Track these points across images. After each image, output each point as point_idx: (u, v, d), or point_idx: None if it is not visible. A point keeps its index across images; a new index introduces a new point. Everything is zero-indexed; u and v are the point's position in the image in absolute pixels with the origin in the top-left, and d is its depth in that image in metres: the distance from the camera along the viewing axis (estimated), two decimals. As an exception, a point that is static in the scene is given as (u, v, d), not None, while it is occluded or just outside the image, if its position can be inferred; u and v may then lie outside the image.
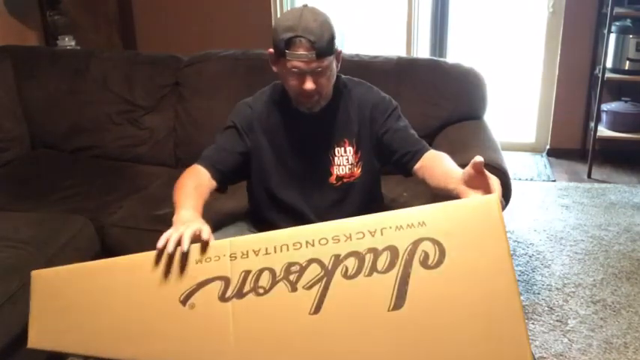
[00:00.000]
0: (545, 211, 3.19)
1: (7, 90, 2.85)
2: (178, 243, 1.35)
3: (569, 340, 2.20)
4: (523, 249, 2.81)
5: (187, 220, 1.44)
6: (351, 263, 1.32)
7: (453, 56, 3.95)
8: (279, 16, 3.93)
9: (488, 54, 4.88)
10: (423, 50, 3.96)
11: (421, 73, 2.56)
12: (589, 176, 3.64)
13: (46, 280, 1.44)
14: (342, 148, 1.75)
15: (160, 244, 1.35)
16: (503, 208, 1.36)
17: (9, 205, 2.34)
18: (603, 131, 3.65)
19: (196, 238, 1.37)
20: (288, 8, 3.95)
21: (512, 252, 2.55)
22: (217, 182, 1.70)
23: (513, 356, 1.28)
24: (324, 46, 1.57)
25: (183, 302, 1.35)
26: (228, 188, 1.81)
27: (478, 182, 1.39)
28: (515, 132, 4.23)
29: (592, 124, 3.64)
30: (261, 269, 1.34)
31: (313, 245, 1.34)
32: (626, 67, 3.52)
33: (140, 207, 2.32)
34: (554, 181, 3.58)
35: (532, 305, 2.39)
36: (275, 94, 1.79)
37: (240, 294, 1.34)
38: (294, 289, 1.33)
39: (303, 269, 1.33)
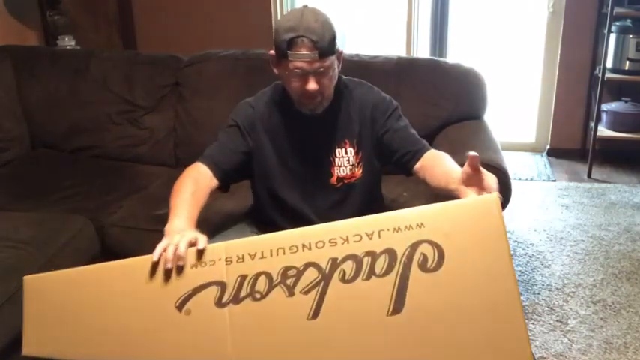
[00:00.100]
0: (545, 211, 3.19)
1: (7, 90, 2.85)
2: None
3: (569, 340, 2.20)
4: (523, 249, 2.81)
5: (180, 230, 1.42)
6: (349, 267, 1.30)
7: (453, 56, 3.95)
8: (279, 16, 3.93)
9: (488, 54, 4.88)
10: (423, 50, 3.96)
11: (421, 73, 2.56)
12: (589, 176, 3.64)
13: (39, 285, 1.42)
14: (343, 149, 1.75)
15: (155, 256, 1.34)
16: (503, 207, 1.35)
17: (9, 205, 2.34)
18: (603, 131, 3.65)
19: (192, 247, 1.36)
20: (288, 8, 3.95)
21: (512, 252, 2.55)
22: (219, 181, 1.69)
23: (514, 357, 1.27)
24: (326, 46, 1.57)
25: (179, 308, 1.33)
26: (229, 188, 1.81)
27: (474, 180, 1.37)
28: (515, 132, 4.23)
29: (592, 124, 3.63)
30: (258, 273, 1.32)
31: (310, 248, 1.32)
32: (626, 67, 3.52)
33: (140, 207, 2.32)
34: (554, 181, 3.58)
35: (532, 305, 2.39)
36: (276, 94, 1.79)
37: (236, 299, 1.32)
38: (291, 293, 1.31)
39: (300, 273, 1.31)
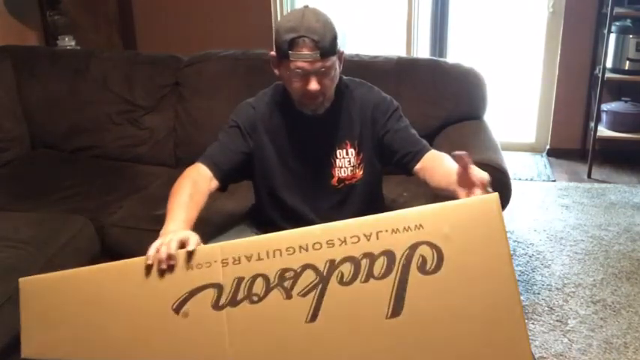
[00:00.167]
0: (545, 211, 3.19)
1: (7, 90, 2.85)
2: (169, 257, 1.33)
3: (569, 340, 2.20)
4: (523, 249, 2.81)
5: (174, 232, 1.42)
6: (347, 269, 1.29)
7: (453, 56, 3.95)
8: (279, 16, 3.93)
9: (488, 54, 4.88)
10: (423, 50, 3.96)
11: (421, 73, 2.56)
12: (589, 176, 3.64)
13: (34, 288, 1.42)
14: (344, 150, 1.75)
15: (150, 259, 1.33)
16: (503, 207, 1.35)
17: (9, 205, 2.34)
18: (603, 131, 3.65)
19: (182, 247, 1.35)
20: (288, 8, 3.96)
21: (512, 252, 2.55)
22: (219, 181, 1.69)
23: None
24: (328, 46, 1.57)
25: (176, 311, 1.32)
26: (228, 188, 1.81)
27: (467, 179, 1.35)
28: (515, 132, 4.23)
29: (592, 124, 3.63)
30: (255, 276, 1.31)
31: (307, 250, 1.30)
32: (626, 67, 3.52)
33: (140, 207, 2.32)
34: (554, 181, 3.58)
35: (532, 305, 2.39)
36: (277, 95, 1.78)
37: (234, 302, 1.31)
38: (289, 296, 1.30)
39: (297, 275, 1.30)
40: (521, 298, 2.40)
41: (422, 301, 1.28)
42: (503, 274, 1.28)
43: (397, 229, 1.30)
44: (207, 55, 2.79)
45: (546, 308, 2.38)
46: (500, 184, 1.97)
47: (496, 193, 1.32)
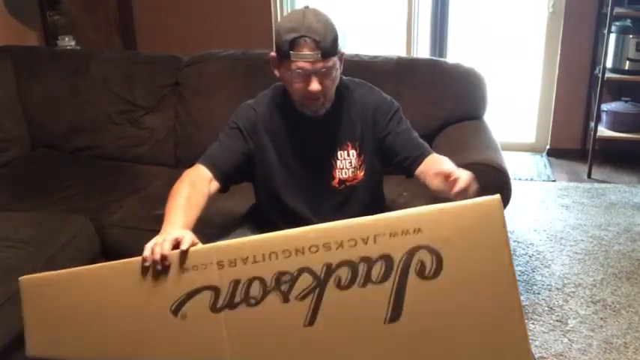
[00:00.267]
0: (545, 211, 3.19)
1: (7, 90, 2.85)
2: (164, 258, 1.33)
3: (569, 340, 2.20)
4: (523, 249, 2.81)
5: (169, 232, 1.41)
6: (344, 273, 1.27)
7: (453, 56, 3.95)
8: (279, 16, 3.92)
9: (488, 54, 4.87)
10: (423, 50, 3.96)
11: (421, 73, 2.56)
12: (589, 176, 3.64)
13: (35, 287, 1.42)
14: (345, 152, 1.75)
15: (148, 262, 1.33)
16: (503, 207, 1.34)
17: (9, 205, 2.34)
18: (603, 131, 3.65)
19: (177, 247, 1.34)
20: (289, 8, 3.95)
21: (512, 252, 2.54)
22: (220, 182, 1.68)
23: None
24: (329, 46, 1.57)
25: (175, 313, 1.32)
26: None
27: (451, 184, 1.39)
28: (515, 132, 4.23)
29: (592, 124, 3.63)
30: (251, 279, 1.29)
31: (303, 253, 1.28)
32: (626, 67, 3.52)
33: (140, 207, 2.32)
34: (554, 181, 3.58)
35: (532, 305, 2.39)
36: (276, 96, 1.77)
37: (231, 305, 1.30)
38: (286, 299, 1.29)
39: (294, 279, 1.28)
40: (521, 298, 2.41)
41: (421, 306, 1.26)
42: (504, 282, 1.25)
43: (395, 233, 1.27)
44: (207, 55, 2.79)
45: (546, 308, 2.38)
46: (501, 184, 1.97)
47: (498, 197, 1.28)
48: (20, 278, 1.42)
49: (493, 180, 1.96)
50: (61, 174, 2.61)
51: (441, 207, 1.30)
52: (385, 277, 1.26)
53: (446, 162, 1.62)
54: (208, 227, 1.72)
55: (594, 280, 2.55)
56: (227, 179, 1.71)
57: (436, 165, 1.64)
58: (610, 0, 3.32)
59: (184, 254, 1.33)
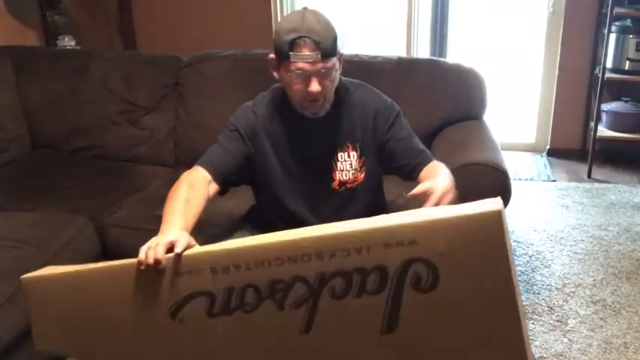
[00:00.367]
0: (545, 211, 3.19)
1: (7, 90, 2.85)
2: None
3: (569, 340, 2.20)
4: (523, 249, 2.81)
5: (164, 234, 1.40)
6: (338, 283, 1.24)
7: (453, 56, 3.95)
8: (279, 16, 3.92)
9: (488, 54, 4.87)
10: (423, 50, 3.96)
11: (421, 73, 2.56)
12: (589, 176, 3.64)
13: (38, 285, 1.42)
14: (346, 153, 1.74)
15: (143, 266, 1.33)
16: (505, 205, 1.32)
17: (9, 205, 2.34)
18: (603, 131, 3.65)
19: (172, 249, 1.33)
20: (288, 8, 3.95)
21: (512, 252, 2.53)
22: (219, 184, 1.67)
23: None
24: (329, 46, 1.57)
25: (173, 316, 1.32)
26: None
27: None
28: (515, 132, 4.23)
29: (592, 124, 3.63)
30: (245, 286, 1.28)
31: (295, 262, 1.25)
32: (626, 67, 3.52)
33: (140, 207, 2.32)
34: (554, 181, 3.58)
35: (532, 305, 2.39)
36: (276, 98, 1.77)
37: (227, 311, 1.29)
38: (281, 307, 1.27)
39: (288, 287, 1.26)
40: (522, 298, 2.41)
41: (417, 318, 1.24)
42: (504, 300, 1.20)
43: (389, 244, 1.22)
44: (207, 55, 2.79)
45: (546, 308, 2.38)
46: (500, 184, 1.97)
47: (499, 209, 1.20)
48: (22, 277, 1.42)
49: (493, 180, 1.96)
50: (61, 174, 2.61)
51: (436, 217, 1.24)
52: (380, 289, 1.23)
53: (440, 171, 1.62)
54: (207, 228, 1.73)
55: (594, 280, 2.55)
56: (226, 181, 1.70)
57: (431, 173, 1.64)
58: (610, 0, 3.32)
59: (178, 258, 1.32)
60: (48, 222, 2.18)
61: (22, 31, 3.41)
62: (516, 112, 4.52)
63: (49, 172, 2.65)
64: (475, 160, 2.02)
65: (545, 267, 2.66)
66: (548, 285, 2.53)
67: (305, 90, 1.60)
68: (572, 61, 3.77)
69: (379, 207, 1.87)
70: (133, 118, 2.81)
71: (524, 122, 4.26)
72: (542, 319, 2.31)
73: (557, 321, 2.30)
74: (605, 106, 3.65)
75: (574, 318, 2.32)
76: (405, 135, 1.75)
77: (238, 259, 1.28)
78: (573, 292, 2.48)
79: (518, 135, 4.18)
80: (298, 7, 3.93)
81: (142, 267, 1.32)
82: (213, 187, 1.65)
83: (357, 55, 2.60)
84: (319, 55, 1.55)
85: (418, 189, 1.45)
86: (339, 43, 1.62)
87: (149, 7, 4.05)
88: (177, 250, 1.32)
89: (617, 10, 3.38)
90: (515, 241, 2.88)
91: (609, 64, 3.52)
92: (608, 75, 3.50)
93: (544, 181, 3.58)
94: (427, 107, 2.48)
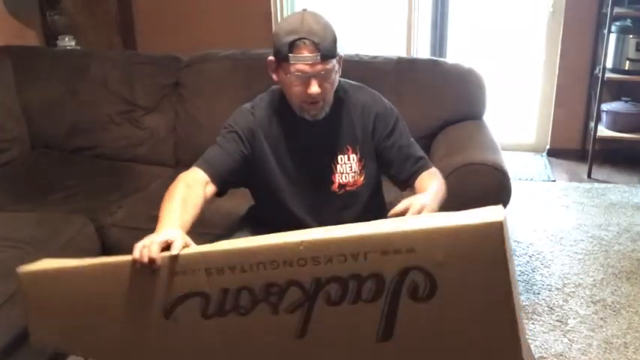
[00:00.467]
0: (545, 211, 3.19)
1: (7, 90, 2.85)
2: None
3: (569, 340, 2.20)
4: (523, 249, 2.81)
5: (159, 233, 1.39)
6: (334, 289, 1.23)
7: (453, 56, 3.94)
8: (279, 16, 3.93)
9: (488, 54, 4.87)
10: (423, 50, 3.96)
11: (421, 73, 2.56)
12: (589, 176, 3.64)
13: (35, 280, 1.41)
14: (346, 156, 1.74)
15: (137, 265, 1.32)
16: (505, 205, 1.31)
17: (9, 205, 2.34)
18: (603, 131, 3.65)
19: (168, 246, 1.33)
20: (288, 8, 3.95)
21: (512, 252, 2.53)
22: (217, 185, 1.65)
23: None
24: (329, 48, 1.56)
25: (167, 316, 1.31)
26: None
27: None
28: (515, 132, 4.22)
29: (592, 124, 3.64)
30: (240, 288, 1.27)
31: (291, 266, 1.24)
32: (626, 67, 3.52)
33: (140, 207, 2.32)
34: (554, 181, 3.58)
35: (532, 305, 2.39)
36: (275, 100, 1.76)
37: (222, 312, 1.29)
38: (275, 311, 1.27)
39: (282, 291, 1.25)
40: (521, 298, 2.41)
41: (413, 327, 1.23)
42: (503, 312, 1.18)
43: (386, 251, 1.20)
44: (207, 55, 2.79)
45: (546, 308, 2.38)
46: (500, 184, 1.97)
47: (500, 220, 1.17)
48: (19, 270, 1.40)
49: (493, 180, 1.96)
50: (61, 174, 2.61)
51: (436, 226, 1.23)
52: (376, 296, 1.22)
53: (430, 184, 1.62)
54: (207, 228, 1.72)
55: (594, 280, 2.55)
56: (224, 183, 1.68)
57: (426, 182, 1.65)
58: (610, 0, 3.32)
59: (174, 257, 1.31)
60: (48, 222, 2.18)
61: (22, 31, 3.41)
62: (516, 112, 4.52)
63: (48, 172, 2.65)
64: (475, 160, 2.02)
65: (545, 267, 2.66)
66: (548, 285, 2.53)
67: (304, 92, 1.59)
68: (572, 61, 3.77)
69: (378, 209, 1.86)
70: (133, 118, 2.81)
71: (524, 122, 4.25)
72: (542, 319, 2.31)
73: (557, 321, 2.30)
74: (605, 106, 3.65)
75: (574, 318, 2.32)
76: (404, 142, 1.74)
77: (233, 260, 1.27)
78: (573, 292, 2.48)
79: (518, 135, 4.17)
80: (298, 7, 3.94)
81: (137, 266, 1.31)
82: (211, 189, 1.64)
83: (357, 55, 2.60)
84: (319, 57, 1.55)
85: (398, 208, 1.45)
86: (338, 45, 1.62)
87: (149, 7, 4.05)
88: (174, 251, 1.31)
89: (617, 10, 3.38)
90: (515, 241, 2.88)
91: (609, 64, 3.52)
92: (608, 75, 3.51)
93: (544, 181, 3.59)
94: (427, 107, 2.48)
